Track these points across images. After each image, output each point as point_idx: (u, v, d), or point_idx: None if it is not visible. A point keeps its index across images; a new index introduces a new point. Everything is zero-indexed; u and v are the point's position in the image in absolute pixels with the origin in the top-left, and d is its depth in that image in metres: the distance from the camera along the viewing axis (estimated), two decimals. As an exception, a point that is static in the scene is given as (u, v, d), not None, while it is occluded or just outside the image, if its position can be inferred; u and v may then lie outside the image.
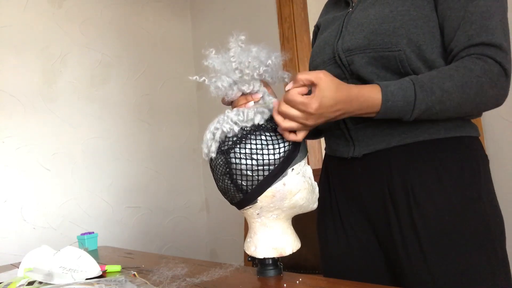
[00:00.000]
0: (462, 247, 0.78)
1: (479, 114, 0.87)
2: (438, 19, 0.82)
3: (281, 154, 0.77)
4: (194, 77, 0.81)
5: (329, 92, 0.71)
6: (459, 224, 0.79)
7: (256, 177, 0.76)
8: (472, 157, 0.83)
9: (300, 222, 0.97)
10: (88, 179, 2.31)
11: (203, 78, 0.81)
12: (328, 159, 1.01)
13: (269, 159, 0.76)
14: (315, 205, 0.85)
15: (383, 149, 0.85)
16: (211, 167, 0.82)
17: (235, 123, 0.77)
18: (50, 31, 2.26)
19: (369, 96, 0.75)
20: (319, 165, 2.09)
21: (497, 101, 0.80)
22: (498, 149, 1.49)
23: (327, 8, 1.10)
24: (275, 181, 0.77)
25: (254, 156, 0.75)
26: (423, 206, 0.80)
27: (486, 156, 0.86)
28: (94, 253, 1.40)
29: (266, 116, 0.79)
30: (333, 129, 0.94)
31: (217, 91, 0.81)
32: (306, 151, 0.83)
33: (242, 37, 0.80)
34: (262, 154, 0.76)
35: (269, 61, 0.80)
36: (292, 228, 0.86)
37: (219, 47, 0.81)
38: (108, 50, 2.47)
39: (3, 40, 2.11)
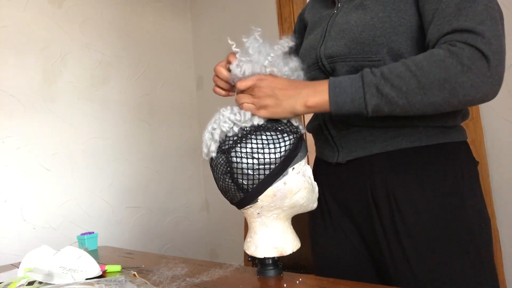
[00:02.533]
0: (445, 254, 0.77)
1: (465, 106, 0.73)
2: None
3: (282, 153, 0.76)
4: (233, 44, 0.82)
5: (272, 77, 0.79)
6: (441, 231, 0.78)
7: (257, 176, 0.76)
8: (456, 164, 0.81)
9: (300, 222, 0.97)
10: (88, 179, 2.30)
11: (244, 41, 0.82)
12: (318, 161, 1.01)
13: (270, 158, 0.76)
14: (315, 205, 0.85)
15: (365, 156, 0.84)
16: (211, 166, 0.82)
17: (234, 123, 0.78)
18: (50, 31, 2.26)
19: (316, 83, 0.78)
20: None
21: (478, 89, 0.67)
22: (498, 149, 1.49)
23: (313, 3, 1.06)
24: (276, 180, 0.77)
25: (255, 155, 0.75)
26: (405, 213, 0.79)
27: (472, 160, 0.85)
28: (94, 253, 1.39)
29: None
30: (319, 134, 0.94)
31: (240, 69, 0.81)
32: (306, 151, 0.83)
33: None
34: (263, 153, 0.75)
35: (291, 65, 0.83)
36: (292, 227, 0.86)
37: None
38: (108, 50, 2.47)
39: (3, 40, 2.11)
